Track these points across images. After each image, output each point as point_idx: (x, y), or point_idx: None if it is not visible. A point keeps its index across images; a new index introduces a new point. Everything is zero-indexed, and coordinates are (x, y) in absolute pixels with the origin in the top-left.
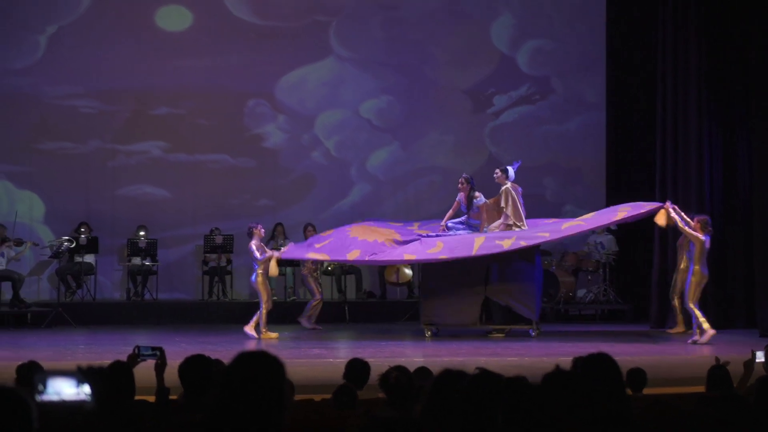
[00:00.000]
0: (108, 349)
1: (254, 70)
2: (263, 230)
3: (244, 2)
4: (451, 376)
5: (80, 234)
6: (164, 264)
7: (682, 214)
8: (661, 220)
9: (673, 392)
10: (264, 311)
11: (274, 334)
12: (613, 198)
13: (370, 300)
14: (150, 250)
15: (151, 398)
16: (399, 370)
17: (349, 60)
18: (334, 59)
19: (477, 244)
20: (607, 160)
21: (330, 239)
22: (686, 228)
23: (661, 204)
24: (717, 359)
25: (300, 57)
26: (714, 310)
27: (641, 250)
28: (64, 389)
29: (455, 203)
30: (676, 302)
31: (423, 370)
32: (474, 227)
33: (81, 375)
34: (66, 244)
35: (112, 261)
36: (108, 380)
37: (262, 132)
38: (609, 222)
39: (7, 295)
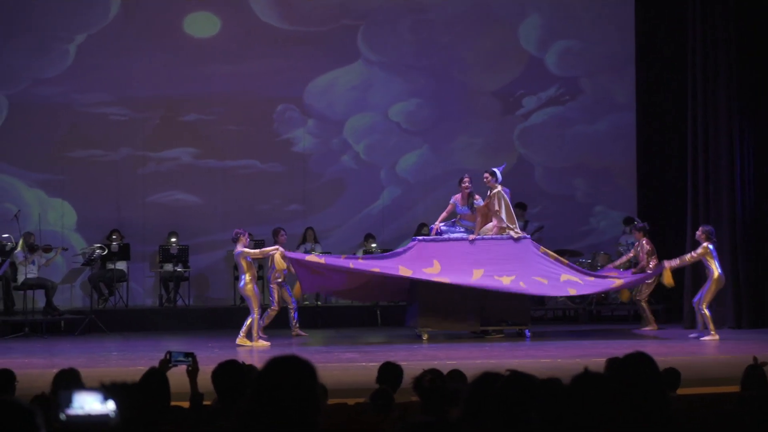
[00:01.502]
0: (141, 355)
1: (283, 75)
2: (248, 238)
3: (271, 7)
4: (490, 378)
5: (112, 241)
6: (196, 270)
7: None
8: (668, 279)
9: (707, 392)
10: (256, 317)
11: (266, 343)
12: (644, 199)
13: (402, 303)
14: (181, 256)
15: (185, 404)
16: (433, 373)
17: (378, 63)
18: (363, 63)
19: (476, 275)
20: (637, 161)
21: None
22: (691, 256)
23: (654, 271)
24: (755, 359)
25: (328, 61)
26: (749, 310)
27: (673, 250)
28: (89, 404)
29: (449, 205)
30: (644, 303)
31: (456, 373)
32: (469, 230)
33: (106, 391)
34: (98, 251)
35: (144, 268)
36: (133, 395)
37: (291, 137)
38: (605, 289)
39: (41, 302)
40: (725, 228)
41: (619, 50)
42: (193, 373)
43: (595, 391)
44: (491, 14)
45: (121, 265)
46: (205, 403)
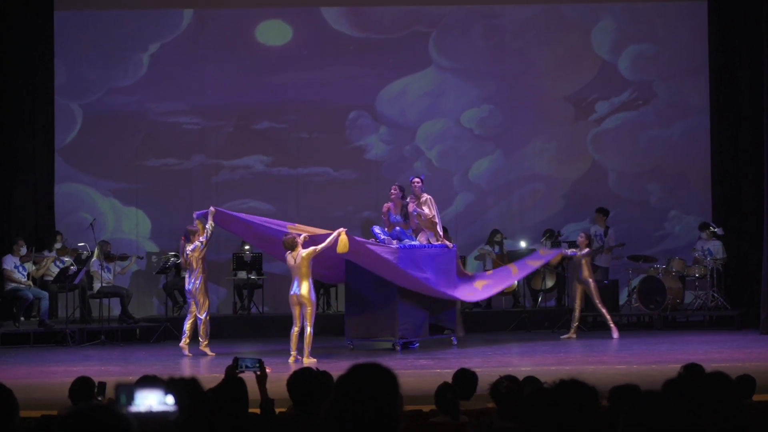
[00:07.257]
0: (215, 362)
1: (355, 82)
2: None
3: (343, 15)
4: (566, 386)
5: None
6: (270, 277)
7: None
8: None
9: None
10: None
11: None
12: (720, 203)
13: (476, 310)
14: (255, 264)
15: (254, 410)
16: (509, 380)
17: (450, 69)
18: (435, 69)
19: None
20: (712, 165)
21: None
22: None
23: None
24: None
25: (400, 68)
26: None
27: (750, 255)
28: (150, 401)
29: (385, 212)
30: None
31: (531, 380)
32: (409, 235)
33: (165, 386)
34: (172, 259)
35: (218, 275)
36: (192, 389)
37: (363, 144)
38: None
39: (116, 310)
40: None
41: (692, 53)
42: (261, 379)
43: (688, 396)
44: (563, 19)
45: None
46: (278, 410)
